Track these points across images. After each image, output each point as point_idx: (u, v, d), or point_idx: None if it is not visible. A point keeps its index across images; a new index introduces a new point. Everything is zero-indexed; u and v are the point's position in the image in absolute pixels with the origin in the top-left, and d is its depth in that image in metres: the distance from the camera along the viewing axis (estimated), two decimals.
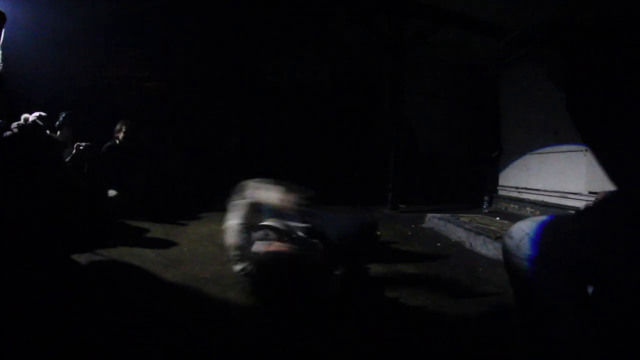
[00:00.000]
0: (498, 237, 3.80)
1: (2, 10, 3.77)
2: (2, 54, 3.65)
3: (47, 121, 4.56)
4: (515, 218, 5.81)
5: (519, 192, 6.97)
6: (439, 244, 4.14)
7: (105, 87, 6.36)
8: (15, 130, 4.23)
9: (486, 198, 7.07)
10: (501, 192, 7.49)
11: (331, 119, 7.79)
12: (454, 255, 3.72)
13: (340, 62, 7.77)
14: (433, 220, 5.12)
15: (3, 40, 3.80)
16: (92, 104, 5.98)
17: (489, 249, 3.76)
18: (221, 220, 2.80)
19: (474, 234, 4.07)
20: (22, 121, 4.31)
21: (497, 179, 7.62)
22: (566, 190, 5.83)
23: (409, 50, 6.52)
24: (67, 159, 4.96)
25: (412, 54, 6.62)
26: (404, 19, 6.36)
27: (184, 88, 6.85)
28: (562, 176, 5.94)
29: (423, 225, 5.17)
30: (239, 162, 7.01)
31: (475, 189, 7.59)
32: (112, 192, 4.86)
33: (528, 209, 6.54)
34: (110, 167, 5.15)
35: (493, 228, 4.44)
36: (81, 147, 5.06)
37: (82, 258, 3.02)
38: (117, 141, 5.35)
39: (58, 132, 5.00)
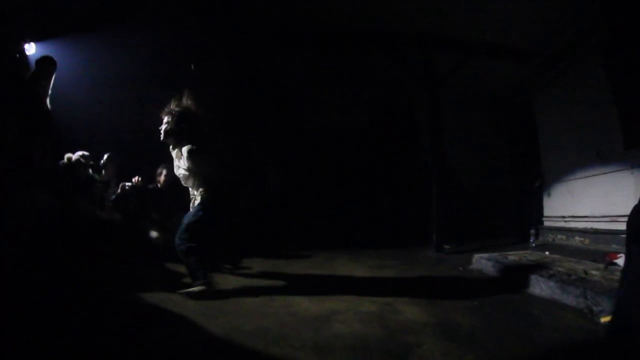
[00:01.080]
0: (552, 275, 3.40)
1: (52, 57, 4.06)
2: (51, 95, 3.85)
3: (90, 160, 4.62)
4: (565, 250, 5.34)
5: (565, 221, 6.39)
6: (490, 288, 3.66)
7: (148, 127, 6.62)
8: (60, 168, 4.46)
9: (532, 231, 6.45)
10: (547, 223, 6.92)
11: (370, 159, 7.68)
12: (508, 300, 3.21)
13: (376, 102, 7.70)
14: (481, 262, 4.69)
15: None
16: (136, 143, 6.14)
17: (542, 289, 3.32)
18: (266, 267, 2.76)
19: (526, 273, 3.64)
20: (65, 160, 4.49)
21: (541, 210, 7.07)
22: (615, 214, 5.25)
23: (443, 83, 6.32)
24: (112, 198, 5.05)
25: (447, 88, 6.37)
26: (435, 54, 6.23)
27: (224, 131, 6.90)
28: (610, 199, 5.40)
29: (471, 267, 4.72)
30: (280, 205, 6.99)
31: (520, 222, 7.12)
32: (154, 234, 4.90)
33: (577, 238, 6.00)
34: (152, 210, 5.24)
35: (546, 264, 4.03)
36: (126, 187, 5.21)
37: (118, 302, 2.92)
38: (159, 184, 5.50)
39: (102, 172, 5.12)
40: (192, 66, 5.86)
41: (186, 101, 3.50)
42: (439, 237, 6.07)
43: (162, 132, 3.47)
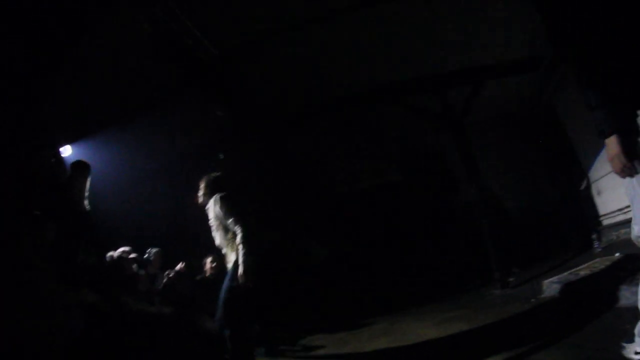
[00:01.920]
0: (633, 280, 2.93)
1: (85, 161, 4.12)
2: (89, 195, 3.96)
3: (133, 254, 4.61)
4: (632, 245, 4.88)
5: (624, 213, 5.68)
6: (573, 315, 3.13)
7: (188, 216, 6.65)
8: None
9: (594, 236, 5.90)
10: (606, 222, 6.28)
11: (410, 210, 7.52)
12: (598, 324, 2.72)
13: (405, 154, 7.68)
14: (552, 287, 4.15)
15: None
16: (177, 233, 6.15)
17: (628, 298, 2.82)
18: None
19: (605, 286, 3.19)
20: (107, 259, 4.45)
21: (596, 210, 6.50)
22: None
23: (464, 116, 6.23)
24: (159, 288, 4.85)
25: (469, 119, 6.30)
26: (449, 89, 6.22)
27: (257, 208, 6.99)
28: None
29: (544, 296, 4.15)
30: (328, 276, 6.70)
31: (577, 230, 6.54)
32: (209, 324, 4.69)
33: None
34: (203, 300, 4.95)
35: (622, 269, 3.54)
36: (170, 276, 5.08)
37: None
38: (206, 274, 5.29)
39: (148, 266, 5.03)
40: (221, 155, 6.06)
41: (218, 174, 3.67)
42: (501, 273, 5.51)
43: (199, 196, 3.58)
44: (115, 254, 4.34)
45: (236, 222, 3.22)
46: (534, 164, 7.73)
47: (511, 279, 5.51)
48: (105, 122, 4.74)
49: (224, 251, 3.48)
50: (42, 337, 2.74)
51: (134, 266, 4.43)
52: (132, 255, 4.50)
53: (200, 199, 3.59)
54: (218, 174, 3.63)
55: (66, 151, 4.46)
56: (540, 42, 5.46)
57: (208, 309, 4.85)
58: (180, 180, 6.47)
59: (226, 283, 3.29)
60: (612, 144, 1.55)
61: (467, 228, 6.72)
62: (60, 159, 3.91)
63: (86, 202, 4.03)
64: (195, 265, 5.39)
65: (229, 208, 3.28)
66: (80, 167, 4.01)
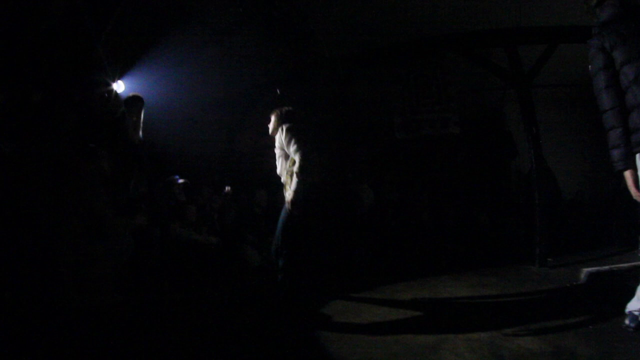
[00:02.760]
0: None
1: (138, 95, 4.16)
2: (144, 127, 4.17)
3: (180, 182, 4.87)
4: None
5: None
6: (604, 308, 2.99)
7: (237, 155, 6.88)
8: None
9: None
10: None
11: (464, 168, 7.33)
12: None
13: (466, 109, 7.19)
14: (590, 276, 3.98)
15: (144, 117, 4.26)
16: (229, 168, 6.37)
17: None
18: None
19: None
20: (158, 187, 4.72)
21: None
22: None
23: (531, 79, 5.64)
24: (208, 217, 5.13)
25: (536, 86, 5.71)
26: (519, 47, 5.64)
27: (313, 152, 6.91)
28: None
29: (579, 283, 4.02)
30: (371, 220, 6.66)
31: (627, 227, 5.97)
32: (250, 256, 4.91)
33: None
34: (248, 231, 5.23)
35: None
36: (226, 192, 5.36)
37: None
38: (255, 208, 5.53)
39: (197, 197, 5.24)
40: (278, 91, 5.97)
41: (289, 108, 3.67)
42: (542, 250, 5.23)
43: (269, 127, 3.64)
44: (166, 182, 4.62)
45: (297, 151, 3.27)
46: (598, 147, 6.79)
47: (550, 259, 5.28)
48: (162, 55, 4.76)
49: (283, 180, 3.56)
50: (98, 258, 3.10)
51: (183, 195, 4.70)
52: (181, 182, 4.75)
53: (270, 130, 3.64)
54: (289, 108, 3.63)
55: (119, 87, 4.59)
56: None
57: (254, 242, 5.20)
58: (235, 116, 6.58)
59: (283, 212, 3.39)
60: (627, 177, 2.10)
61: (519, 197, 6.21)
62: (114, 95, 4.08)
63: (140, 134, 4.25)
64: (244, 199, 5.63)
65: (293, 137, 3.33)
66: (133, 101, 4.12)
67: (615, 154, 2.13)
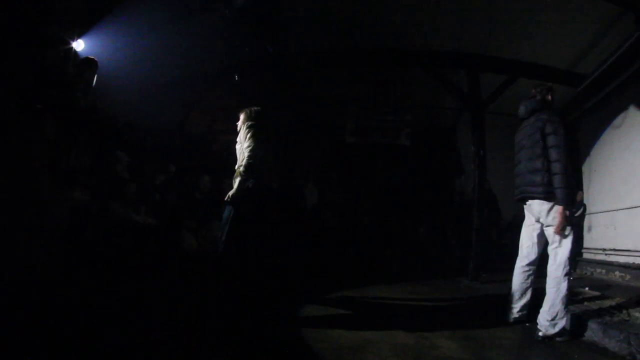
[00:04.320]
0: (592, 317, 3.03)
1: (93, 58, 3.88)
2: (96, 92, 3.93)
3: (124, 159, 4.60)
4: (604, 286, 4.90)
5: (606, 254, 5.86)
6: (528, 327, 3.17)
7: (188, 135, 6.63)
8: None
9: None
10: (586, 256, 6.39)
11: (411, 179, 7.54)
12: (547, 342, 2.81)
13: (419, 123, 7.42)
14: None
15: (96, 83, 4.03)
16: (172, 150, 6.11)
17: (603, 339, 2.79)
18: None
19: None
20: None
21: (581, 241, 6.49)
22: None
23: (488, 105, 6.05)
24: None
25: (488, 111, 6.11)
26: (481, 74, 6.02)
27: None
28: None
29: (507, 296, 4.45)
30: (313, 219, 6.69)
31: None
32: (187, 241, 4.78)
33: (617, 273, 5.48)
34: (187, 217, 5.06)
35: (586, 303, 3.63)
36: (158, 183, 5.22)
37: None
38: (197, 194, 5.43)
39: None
40: (236, 77, 5.86)
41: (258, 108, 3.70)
42: (476, 265, 5.67)
43: (238, 125, 3.64)
44: (110, 157, 4.37)
45: (247, 148, 3.37)
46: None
47: (484, 274, 5.72)
48: (127, 20, 4.44)
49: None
50: (30, 227, 2.88)
51: (126, 173, 4.48)
52: (126, 160, 4.52)
53: (238, 127, 3.66)
54: (258, 108, 3.68)
55: (79, 45, 4.24)
56: (586, 61, 5.32)
57: (192, 227, 5.08)
58: (192, 95, 6.34)
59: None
60: (562, 211, 2.84)
61: (460, 215, 6.75)
62: (70, 54, 3.77)
63: (89, 100, 3.97)
64: (187, 183, 5.48)
65: (250, 136, 3.42)
66: (86, 64, 3.85)
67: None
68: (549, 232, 2.97)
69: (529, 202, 3.12)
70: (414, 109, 7.17)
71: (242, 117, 3.64)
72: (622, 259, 5.56)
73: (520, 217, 3.41)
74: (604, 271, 5.83)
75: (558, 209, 2.86)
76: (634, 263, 5.29)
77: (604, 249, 5.96)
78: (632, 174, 5.41)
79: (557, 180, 2.89)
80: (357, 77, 6.96)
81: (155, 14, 4.66)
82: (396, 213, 7.54)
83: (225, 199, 3.35)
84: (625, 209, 5.56)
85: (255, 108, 3.68)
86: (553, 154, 2.94)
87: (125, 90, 5.24)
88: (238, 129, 3.65)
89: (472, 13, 5.17)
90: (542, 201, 2.96)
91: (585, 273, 6.12)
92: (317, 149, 7.70)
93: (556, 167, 2.91)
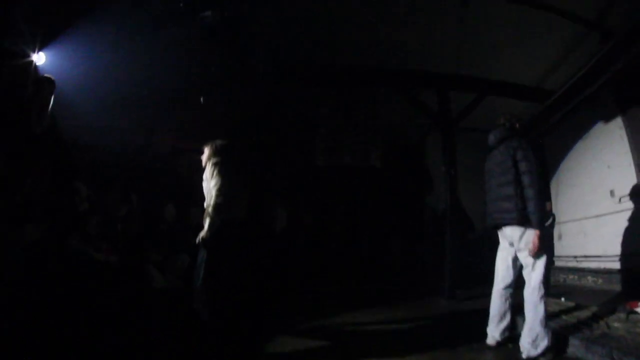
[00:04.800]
0: (573, 332, 3.13)
1: (52, 77, 3.66)
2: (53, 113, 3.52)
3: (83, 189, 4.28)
4: (578, 292, 5.16)
5: (577, 261, 6.10)
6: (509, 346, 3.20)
7: (152, 157, 6.16)
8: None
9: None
10: (558, 263, 6.55)
11: (382, 200, 7.47)
12: None
13: (390, 144, 7.40)
14: None
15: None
16: (135, 176, 5.63)
17: (586, 354, 2.86)
18: None
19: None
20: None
21: (552, 250, 6.59)
22: (630, 252, 4.97)
23: (457, 123, 6.15)
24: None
25: (459, 127, 6.20)
26: (450, 93, 6.10)
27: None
28: (625, 238, 5.07)
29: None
30: (283, 244, 6.46)
31: None
32: (154, 276, 4.34)
33: (589, 278, 5.74)
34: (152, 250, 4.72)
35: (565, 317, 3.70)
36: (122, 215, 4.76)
37: None
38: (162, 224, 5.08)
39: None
40: (202, 99, 5.56)
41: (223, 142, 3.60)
42: (451, 284, 5.66)
43: (203, 160, 3.53)
44: (69, 187, 3.88)
45: (214, 186, 3.30)
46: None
47: (459, 291, 5.70)
48: (91, 32, 4.07)
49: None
50: None
51: (86, 204, 4.00)
52: (85, 192, 4.05)
53: (203, 163, 3.55)
54: (224, 142, 3.58)
55: (40, 59, 3.81)
56: (551, 77, 5.60)
57: (157, 261, 4.63)
58: (157, 113, 5.93)
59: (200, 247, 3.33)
60: (537, 235, 2.94)
61: (431, 231, 6.75)
62: (30, 69, 3.34)
63: (45, 124, 3.52)
64: (151, 212, 5.05)
65: (216, 173, 3.35)
66: (43, 83, 3.44)
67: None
68: (522, 256, 3.06)
69: (503, 228, 3.20)
70: (383, 129, 7.16)
71: (206, 152, 3.54)
72: (593, 265, 5.81)
73: (492, 232, 3.48)
74: (576, 277, 6.07)
75: (533, 232, 2.95)
76: (604, 268, 5.54)
77: (575, 256, 6.19)
78: (599, 183, 5.70)
79: (531, 206, 2.97)
80: (327, 98, 6.91)
81: (120, 27, 4.32)
82: (368, 234, 7.45)
83: (197, 241, 3.27)
84: (594, 217, 5.82)
85: (220, 142, 3.59)
86: (526, 180, 3.04)
87: (86, 108, 4.78)
88: (203, 164, 3.53)
89: (440, 32, 5.25)
90: (514, 227, 3.04)
91: (559, 280, 6.31)
92: (286, 170, 7.46)
93: (530, 192, 3.00)
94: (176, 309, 3.80)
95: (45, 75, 3.50)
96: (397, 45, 5.63)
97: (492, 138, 3.41)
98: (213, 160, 3.40)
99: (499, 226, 3.20)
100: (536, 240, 2.94)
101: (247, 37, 5.23)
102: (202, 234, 3.24)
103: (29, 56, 3.58)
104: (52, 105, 3.52)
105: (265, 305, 4.84)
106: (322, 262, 6.77)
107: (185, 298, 3.88)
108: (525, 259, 3.01)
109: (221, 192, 3.26)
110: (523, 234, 2.99)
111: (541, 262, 2.98)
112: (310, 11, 4.94)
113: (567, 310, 3.96)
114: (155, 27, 4.48)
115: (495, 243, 3.90)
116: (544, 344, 2.82)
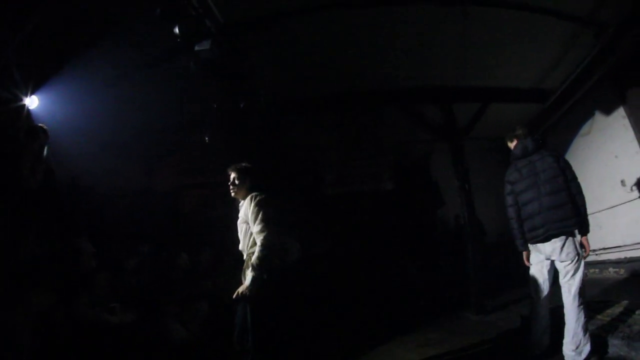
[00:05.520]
0: (612, 332, 3.15)
1: (45, 126, 3.34)
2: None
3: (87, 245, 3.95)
4: (603, 285, 5.14)
5: (596, 254, 5.99)
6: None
7: (156, 197, 5.78)
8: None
9: None
10: None
11: (396, 222, 7.24)
12: None
13: (399, 164, 7.35)
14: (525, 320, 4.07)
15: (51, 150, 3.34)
16: (141, 219, 5.32)
17: (629, 352, 2.88)
18: None
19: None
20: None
21: None
22: None
23: (465, 134, 6.08)
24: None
25: (466, 138, 6.12)
26: (454, 105, 6.05)
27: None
28: None
29: (517, 326, 4.18)
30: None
31: None
32: (175, 330, 4.00)
33: (611, 269, 5.77)
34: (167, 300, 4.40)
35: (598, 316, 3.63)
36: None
37: None
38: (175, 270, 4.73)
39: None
40: (207, 139, 5.27)
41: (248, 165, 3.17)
42: (478, 297, 5.48)
43: (231, 186, 3.06)
44: (70, 245, 3.49)
45: (261, 233, 2.78)
46: None
47: (486, 302, 5.53)
48: (85, 72, 3.79)
49: (245, 258, 2.97)
50: None
51: (93, 262, 3.59)
52: (90, 250, 3.64)
53: (234, 192, 3.08)
54: (248, 165, 3.13)
55: (32, 103, 3.50)
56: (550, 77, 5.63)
57: (176, 313, 4.23)
58: (158, 150, 5.61)
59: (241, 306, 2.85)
60: (524, 255, 3.27)
61: (447, 247, 6.57)
62: (22, 114, 3.01)
63: (39, 178, 3.16)
64: (162, 261, 4.67)
65: (262, 214, 2.84)
66: (31, 134, 3.09)
67: (517, 242, 3.28)
68: (563, 265, 3.01)
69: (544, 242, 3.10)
70: (391, 150, 7.04)
71: (234, 175, 3.08)
72: (613, 256, 5.81)
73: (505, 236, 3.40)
74: (597, 270, 6.03)
75: (583, 239, 3.03)
76: (625, 257, 5.57)
77: (594, 250, 6.06)
78: (607, 175, 5.72)
79: (583, 211, 3.02)
80: (333, 124, 6.71)
81: (114, 66, 4.05)
82: (383, 256, 7.20)
83: (235, 296, 2.77)
84: (607, 209, 5.77)
85: (246, 165, 3.16)
86: (574, 187, 3.04)
87: (83, 151, 4.45)
88: (234, 193, 3.08)
89: (440, 45, 5.12)
90: (555, 239, 2.99)
91: (582, 280, 6.18)
92: (296, 201, 7.18)
93: (581, 199, 3.03)
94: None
95: (39, 124, 3.17)
96: (401, 65, 5.49)
97: (529, 147, 3.26)
98: (256, 195, 2.91)
99: (552, 237, 3.02)
100: (587, 244, 2.99)
101: (246, 69, 5.02)
102: (244, 289, 2.75)
103: (20, 100, 3.23)
104: (48, 155, 3.18)
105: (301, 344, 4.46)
106: (339, 291, 6.44)
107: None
108: (566, 267, 2.96)
109: (269, 240, 2.77)
110: (564, 243, 2.96)
111: (581, 269, 2.96)
112: (308, 38, 4.76)
113: (597, 310, 3.84)
114: (151, 64, 4.22)
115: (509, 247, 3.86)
116: (587, 349, 2.82)
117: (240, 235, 2.99)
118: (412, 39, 4.90)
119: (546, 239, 3.03)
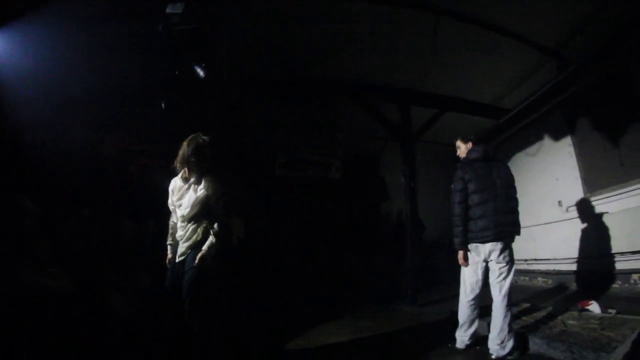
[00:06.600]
0: (534, 331, 3.44)
1: None
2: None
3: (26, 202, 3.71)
4: (532, 291, 5.65)
5: (528, 264, 6.60)
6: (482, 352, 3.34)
7: (105, 160, 5.51)
8: None
9: None
10: None
11: (341, 210, 7.48)
12: None
13: (349, 156, 7.41)
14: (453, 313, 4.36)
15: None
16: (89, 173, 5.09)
17: (548, 350, 3.15)
18: None
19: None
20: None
21: None
22: (576, 256, 5.59)
23: (418, 137, 6.35)
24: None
25: (419, 140, 6.41)
26: (412, 108, 6.26)
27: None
28: (572, 243, 5.66)
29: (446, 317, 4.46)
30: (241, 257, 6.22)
31: None
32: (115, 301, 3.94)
33: (540, 279, 6.35)
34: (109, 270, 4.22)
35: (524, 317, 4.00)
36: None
37: None
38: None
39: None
40: (163, 104, 5.05)
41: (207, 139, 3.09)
42: (413, 291, 5.82)
43: (186, 163, 3.00)
44: (11, 205, 3.30)
45: (223, 214, 2.98)
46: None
47: (418, 296, 5.88)
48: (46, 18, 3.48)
49: (180, 233, 3.05)
50: None
51: (36, 224, 3.42)
52: (33, 210, 3.47)
53: (179, 166, 3.03)
54: (207, 139, 3.05)
55: None
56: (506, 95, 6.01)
57: (118, 283, 4.13)
58: (103, 114, 5.30)
59: (191, 270, 2.92)
60: (460, 254, 3.42)
61: (389, 240, 6.81)
62: None
63: None
64: (106, 228, 4.50)
65: (225, 197, 3.01)
66: None
67: (456, 241, 3.40)
68: (499, 267, 3.29)
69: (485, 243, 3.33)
70: (344, 142, 7.13)
71: (189, 151, 3.00)
72: (543, 267, 6.40)
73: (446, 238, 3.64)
74: (527, 278, 6.60)
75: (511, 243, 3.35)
76: (554, 269, 6.15)
77: (526, 259, 6.64)
78: (546, 194, 6.22)
79: (518, 218, 3.37)
80: (293, 110, 6.77)
81: (78, 18, 3.74)
82: (326, 244, 7.37)
83: (198, 262, 2.87)
84: (542, 224, 6.32)
85: (206, 138, 3.10)
86: (516, 196, 3.40)
87: (34, 102, 4.13)
88: (179, 161, 3.03)
89: (407, 51, 5.35)
90: (500, 242, 3.27)
91: (512, 281, 6.72)
92: (244, 178, 7.12)
93: (517, 206, 3.39)
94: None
95: None
96: (363, 60, 5.65)
97: (490, 152, 3.54)
98: (221, 190, 3.00)
99: (502, 238, 3.28)
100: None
101: (215, 40, 4.84)
102: (204, 253, 2.89)
103: None
104: None
105: (238, 321, 4.51)
106: (280, 272, 6.55)
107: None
108: (501, 269, 3.25)
109: (227, 218, 2.99)
110: (506, 246, 3.27)
111: (512, 272, 3.30)
112: (275, 23, 4.78)
113: (524, 312, 4.28)
114: (120, 18, 3.95)
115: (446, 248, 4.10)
116: (510, 344, 3.11)
117: (185, 211, 3.00)
118: (383, 39, 5.10)
119: (495, 240, 3.26)
